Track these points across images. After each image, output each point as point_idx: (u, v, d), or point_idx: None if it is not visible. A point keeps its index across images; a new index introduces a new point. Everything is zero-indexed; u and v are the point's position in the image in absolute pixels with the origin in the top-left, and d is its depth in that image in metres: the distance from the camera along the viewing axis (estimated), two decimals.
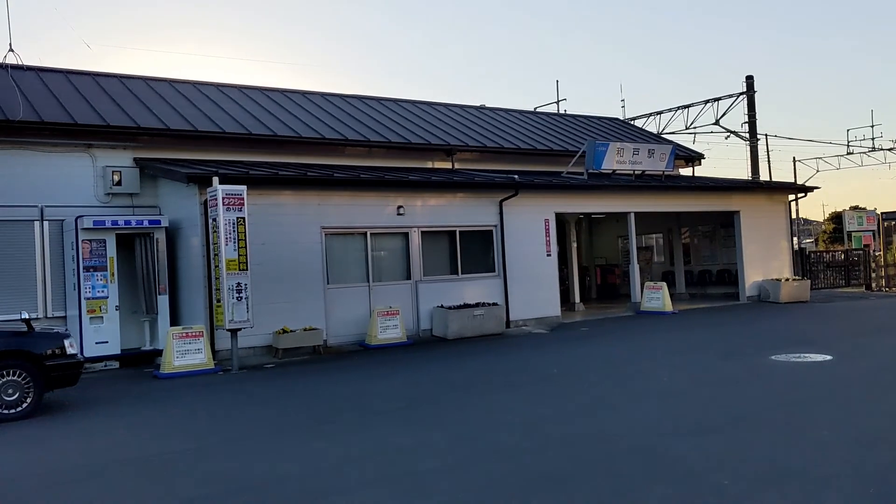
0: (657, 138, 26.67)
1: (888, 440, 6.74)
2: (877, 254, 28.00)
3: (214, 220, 13.33)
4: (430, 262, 17.24)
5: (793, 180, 73.31)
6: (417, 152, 19.86)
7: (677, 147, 25.81)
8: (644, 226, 27.49)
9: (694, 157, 25.01)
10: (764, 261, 23.34)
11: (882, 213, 28.76)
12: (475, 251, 17.98)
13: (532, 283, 18.57)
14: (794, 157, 79.96)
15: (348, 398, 10.21)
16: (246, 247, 13.31)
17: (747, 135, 36.42)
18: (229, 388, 11.69)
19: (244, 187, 13.43)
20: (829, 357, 11.63)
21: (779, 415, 8.01)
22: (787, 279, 22.92)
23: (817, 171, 75.33)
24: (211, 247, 13.59)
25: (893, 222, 27.61)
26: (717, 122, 39.32)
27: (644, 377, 10.75)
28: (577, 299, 22.28)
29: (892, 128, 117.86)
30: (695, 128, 41.15)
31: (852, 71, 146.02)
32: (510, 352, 14.35)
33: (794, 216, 74.88)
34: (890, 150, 58.33)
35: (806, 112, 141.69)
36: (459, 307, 16.76)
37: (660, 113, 41.74)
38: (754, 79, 36.05)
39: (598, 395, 9.61)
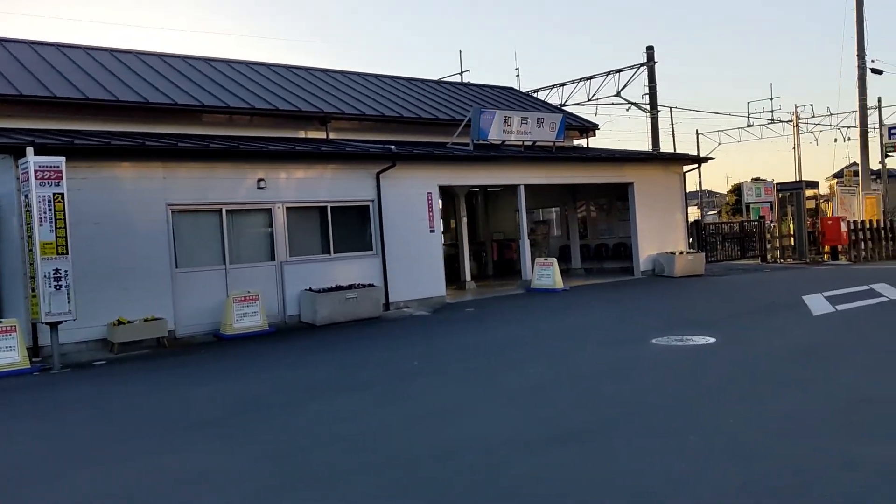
0: (556, 109, 25.64)
1: (766, 450, 5.66)
2: (772, 225, 27.82)
3: (27, 196, 11.45)
4: (298, 241, 15.68)
5: (696, 153, 74.17)
6: (287, 120, 18.17)
7: (570, 117, 24.84)
8: (540, 199, 26.56)
9: (588, 128, 24.08)
10: (659, 234, 22.66)
11: (777, 184, 28.59)
12: (350, 228, 16.52)
13: (414, 262, 17.25)
14: (696, 130, 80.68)
15: (161, 407, 8.65)
16: (65, 227, 11.49)
17: (648, 106, 36.13)
18: (30, 394, 9.95)
19: (62, 159, 11.56)
20: (712, 340, 10.71)
21: (645, 418, 6.89)
22: (682, 252, 22.31)
23: (719, 143, 76.45)
24: (24, 228, 11.72)
25: (788, 193, 27.44)
26: (618, 94, 38.80)
27: (512, 370, 9.56)
28: (468, 277, 21.09)
29: (791, 100, 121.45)
30: (597, 100, 40.60)
31: (752, 43, 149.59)
32: (376, 340, 12.99)
33: (698, 188, 76.02)
34: (788, 122, 59.52)
35: (709, 85, 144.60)
36: (330, 290, 15.30)
37: (562, 85, 40.94)
38: (654, 50, 35.48)
39: (454, 396, 8.35)
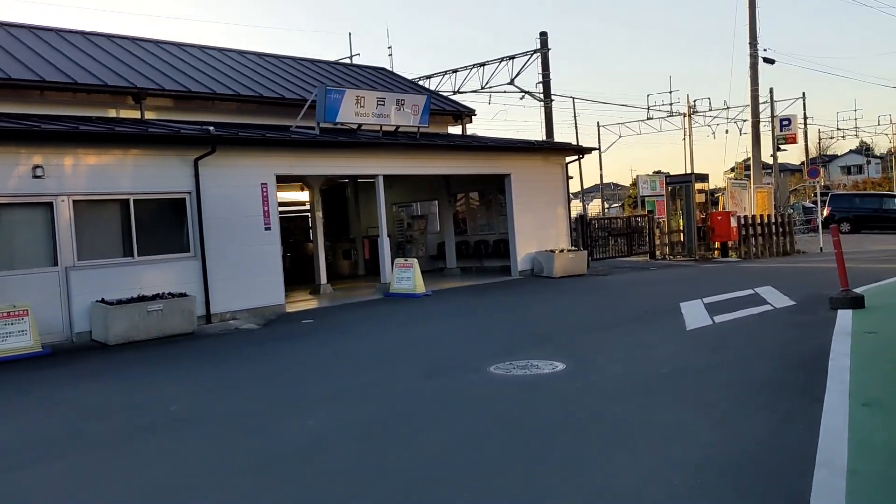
0: (424, 91, 23.36)
1: None
2: (660, 220, 26.37)
3: None
4: (91, 241, 12.94)
5: (598, 145, 73.39)
6: (90, 96, 15.24)
7: (442, 101, 22.66)
8: (415, 191, 24.35)
9: (463, 113, 21.91)
10: (539, 230, 20.75)
11: (667, 177, 27.17)
12: (161, 226, 13.88)
13: (245, 265, 14.71)
14: (598, 123, 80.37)
15: None
16: None
17: (542, 95, 34.45)
18: None
19: None
20: (560, 366, 8.64)
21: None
22: (563, 250, 20.45)
23: (620, 136, 75.95)
24: None
25: (678, 186, 26.02)
26: (511, 82, 37.17)
27: (291, 417, 7.22)
28: (324, 280, 18.67)
29: (691, 94, 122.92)
30: (490, 88, 38.93)
31: (652, 35, 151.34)
32: (160, 367, 10.45)
33: (600, 181, 75.30)
34: (685, 115, 59.21)
35: (610, 77, 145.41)
36: (128, 301, 12.63)
37: (455, 71, 38.96)
38: (548, 36, 33.81)
39: (183, 468, 5.94)
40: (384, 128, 17.62)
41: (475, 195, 23.43)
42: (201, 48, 19.64)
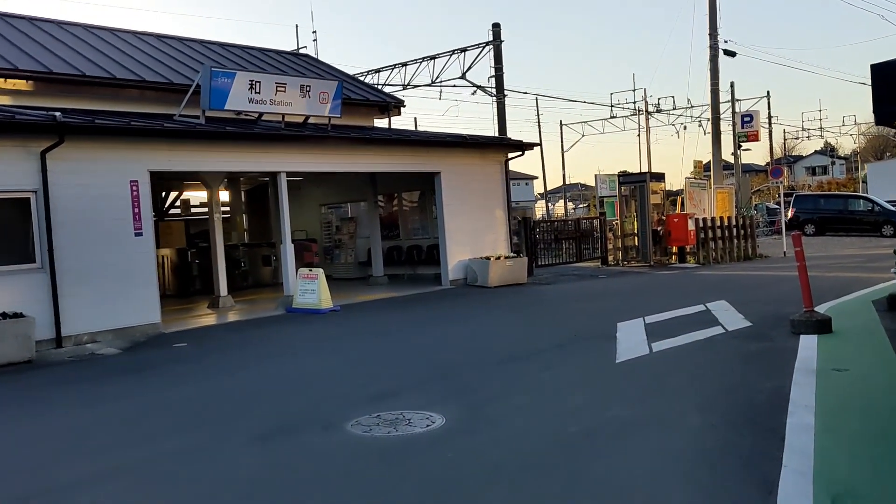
0: (358, 84, 21.11)
1: None
2: (614, 222, 24.39)
3: None
4: None
5: (560, 143, 71.46)
6: None
7: (364, 90, 20.43)
8: (344, 191, 22.14)
9: (389, 104, 19.66)
10: (474, 235, 18.63)
11: (620, 176, 25.19)
12: None
13: (110, 278, 12.39)
14: (560, 121, 78.88)
15: None
16: None
17: (495, 90, 32.47)
18: None
19: None
20: (440, 421, 6.53)
21: None
22: (499, 257, 18.34)
23: (583, 135, 74.40)
24: None
25: (633, 187, 24.05)
26: (463, 76, 35.27)
27: None
28: (223, 291, 16.35)
29: (656, 91, 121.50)
30: (441, 82, 36.92)
31: (616, 31, 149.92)
32: None
33: (563, 181, 73.37)
34: (651, 113, 57.56)
35: (573, 74, 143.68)
36: None
37: (405, 65, 36.93)
38: (501, 28, 31.73)
39: None
40: (288, 118, 15.35)
41: (410, 196, 21.27)
42: (86, 27, 17.18)
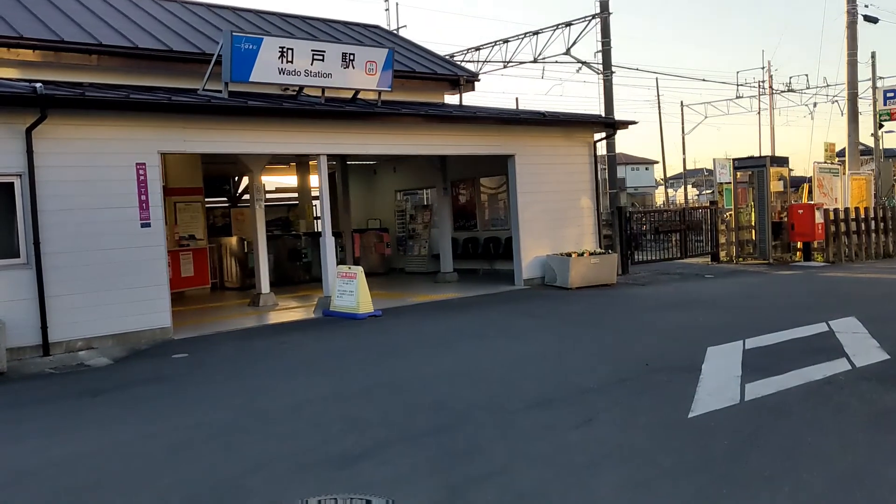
0: (424, 53, 18.89)
1: None
2: (727, 213, 21.26)
3: None
4: None
5: (681, 126, 67.01)
6: None
7: (432, 60, 18.13)
8: (416, 177, 20.13)
9: (460, 78, 17.28)
10: (554, 226, 16.18)
11: (734, 160, 21.94)
12: None
13: (109, 275, 10.78)
14: (681, 102, 73.99)
15: None
16: None
17: (601, 66, 29.75)
18: None
19: None
20: None
21: None
22: (583, 254, 15.80)
23: (706, 116, 69.64)
24: None
25: (750, 172, 20.84)
26: (567, 52, 32.84)
27: None
28: (265, 288, 14.63)
29: (785, 70, 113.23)
30: (544, 59, 34.69)
31: (741, 2, 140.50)
32: None
33: (684, 167, 69.26)
34: (781, 92, 52.68)
35: (695, 51, 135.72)
36: None
37: (506, 41, 34.84)
38: None
39: None
40: (330, 92, 13.36)
41: (489, 182, 18.97)
42: None
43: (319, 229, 22.35)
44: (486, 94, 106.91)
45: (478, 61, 36.83)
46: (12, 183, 10.18)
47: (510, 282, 16.05)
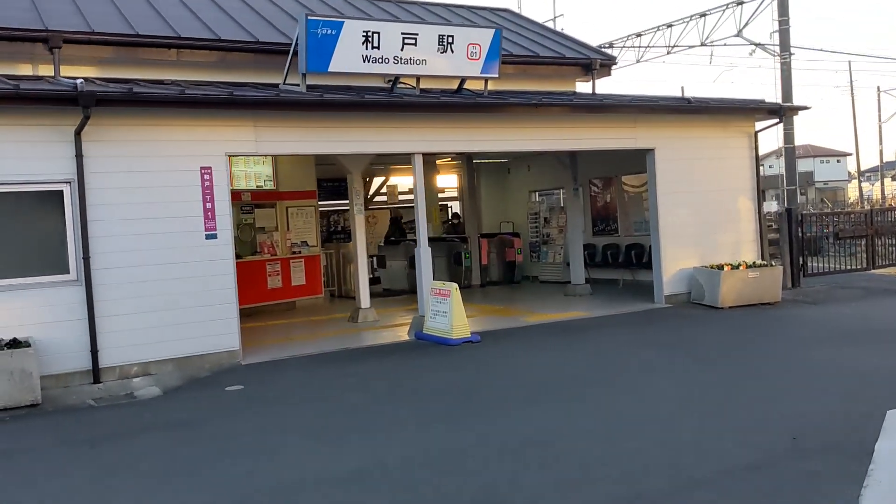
0: (546, 33, 16.67)
1: None
2: None
3: None
4: None
5: (878, 114, 60.18)
6: None
7: (558, 41, 15.88)
8: (548, 175, 18.10)
9: (593, 63, 14.90)
10: (704, 232, 13.66)
11: None
12: (17, 233, 9.20)
13: (170, 294, 9.66)
14: (878, 87, 66.88)
15: None
16: None
17: (778, 47, 26.50)
18: None
19: None
20: None
21: None
22: (738, 266, 13.18)
23: None
24: None
25: None
26: (738, 34, 29.96)
27: None
28: (365, 303, 13.19)
29: None
30: (712, 42, 31.82)
31: None
32: None
33: (881, 160, 62.45)
34: None
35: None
36: None
37: (670, 26, 32.33)
38: None
39: None
40: (427, 82, 11.66)
41: (631, 180, 16.60)
42: None
43: (443, 233, 20.88)
44: (637, 83, 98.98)
45: (639, 47, 34.08)
46: (61, 191, 9.22)
47: (650, 297, 13.68)
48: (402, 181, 23.00)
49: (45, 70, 10.94)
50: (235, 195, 15.48)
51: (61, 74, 10.63)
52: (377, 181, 22.78)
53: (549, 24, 21.14)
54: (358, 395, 8.21)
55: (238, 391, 8.75)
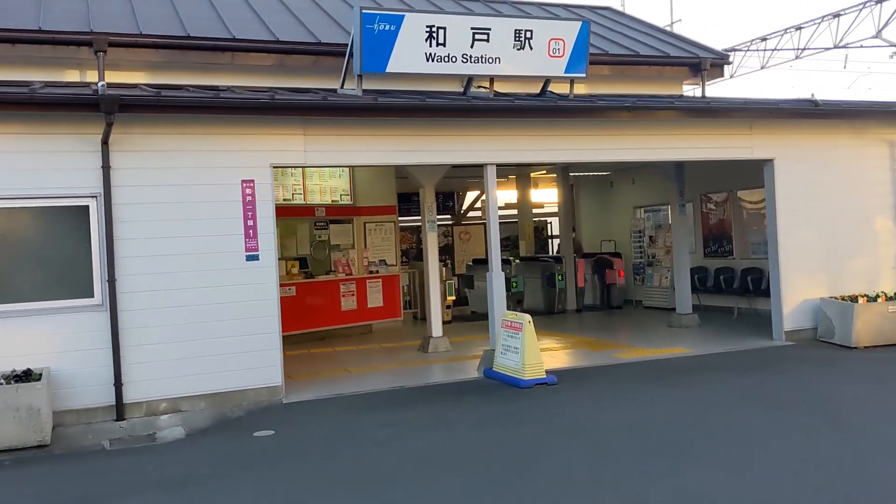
0: (648, 29, 14.87)
1: None
2: None
3: None
4: None
5: None
6: (22, 48, 9.93)
7: (662, 38, 14.10)
8: (654, 190, 16.37)
9: (702, 61, 12.96)
10: (832, 258, 11.64)
11: None
12: (36, 253, 8.39)
13: (205, 321, 8.65)
14: None
15: None
16: None
17: None
18: None
19: None
20: None
21: None
22: (876, 297, 11.08)
23: None
24: None
25: None
26: (877, 35, 27.15)
27: None
28: (437, 331, 11.88)
29: None
30: (846, 45, 29.03)
31: None
32: None
33: None
34: None
35: None
36: None
37: (799, 28, 29.70)
38: None
39: None
40: (502, 84, 10.26)
41: (749, 196, 14.64)
42: None
43: (535, 253, 19.34)
44: (762, 89, 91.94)
45: (764, 50, 31.48)
46: (87, 206, 8.37)
47: (768, 331, 11.75)
48: (500, 195, 21.66)
49: (93, 76, 10.19)
50: (308, 210, 14.60)
51: (106, 80, 9.83)
52: (471, 195, 21.56)
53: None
54: (388, 456, 6.81)
55: (266, 438, 7.59)
